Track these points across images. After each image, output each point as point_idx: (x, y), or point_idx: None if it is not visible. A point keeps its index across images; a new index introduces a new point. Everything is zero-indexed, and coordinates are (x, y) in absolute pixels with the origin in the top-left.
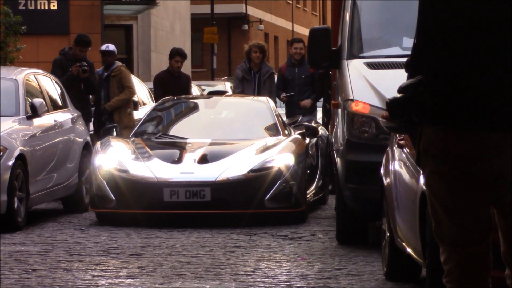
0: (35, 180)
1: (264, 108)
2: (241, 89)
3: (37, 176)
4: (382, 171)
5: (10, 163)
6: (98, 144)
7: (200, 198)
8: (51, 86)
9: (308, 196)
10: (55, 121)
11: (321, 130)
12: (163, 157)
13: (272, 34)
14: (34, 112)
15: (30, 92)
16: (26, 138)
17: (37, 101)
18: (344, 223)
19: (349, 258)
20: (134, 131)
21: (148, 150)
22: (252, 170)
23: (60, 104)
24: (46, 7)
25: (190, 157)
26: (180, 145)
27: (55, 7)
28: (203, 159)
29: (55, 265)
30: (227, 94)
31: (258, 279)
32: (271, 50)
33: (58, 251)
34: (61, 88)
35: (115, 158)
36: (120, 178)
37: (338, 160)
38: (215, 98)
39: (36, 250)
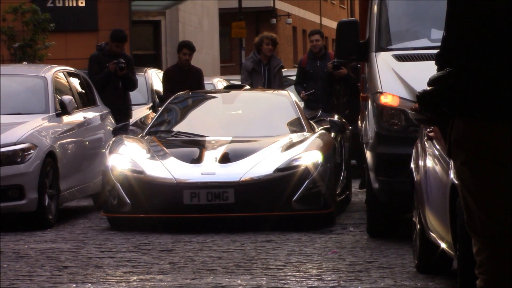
0: (66, 178)
1: (286, 102)
2: (250, 81)
3: (67, 173)
4: (412, 163)
5: (40, 160)
6: (110, 143)
7: (223, 200)
8: (80, 83)
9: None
10: (84, 118)
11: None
12: (181, 156)
13: (301, 28)
14: (63, 110)
15: (59, 89)
16: (56, 135)
17: (66, 98)
18: (375, 216)
19: (380, 251)
20: (147, 129)
21: (165, 149)
22: (278, 169)
23: (90, 101)
24: (74, 4)
25: (211, 156)
26: (199, 143)
27: (83, 4)
28: (225, 158)
29: (86, 262)
30: (245, 88)
31: (289, 273)
32: (299, 44)
33: (89, 248)
34: (90, 85)
35: (129, 158)
36: (135, 180)
37: (368, 153)
38: (233, 92)
39: (67, 247)
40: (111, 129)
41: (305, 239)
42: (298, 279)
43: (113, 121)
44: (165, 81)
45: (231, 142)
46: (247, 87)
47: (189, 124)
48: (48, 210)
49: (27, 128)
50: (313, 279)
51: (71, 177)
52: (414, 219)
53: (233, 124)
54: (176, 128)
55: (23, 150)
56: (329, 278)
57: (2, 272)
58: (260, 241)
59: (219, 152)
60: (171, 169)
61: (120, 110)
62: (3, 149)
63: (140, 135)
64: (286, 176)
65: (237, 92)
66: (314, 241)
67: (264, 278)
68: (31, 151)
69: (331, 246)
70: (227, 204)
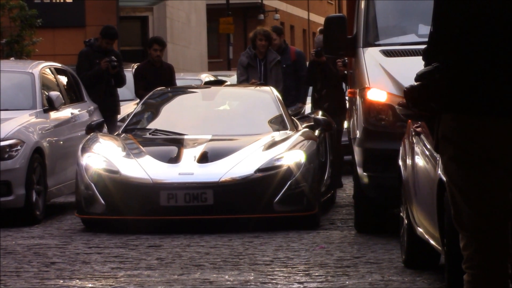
0: (53, 174)
1: (268, 98)
2: (245, 76)
3: (54, 169)
4: (399, 159)
5: (28, 156)
6: (84, 141)
7: (202, 201)
8: (68, 79)
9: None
10: (72, 114)
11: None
12: (158, 155)
13: (288, 24)
14: (50, 105)
15: (47, 85)
16: (43, 131)
17: (54, 94)
18: (363, 212)
19: (368, 246)
20: (124, 126)
21: (141, 147)
22: (259, 170)
23: (77, 97)
24: (62, 0)
25: (189, 155)
26: (177, 142)
27: (71, 0)
28: (204, 158)
29: (74, 258)
30: (226, 84)
31: (277, 268)
32: (287, 39)
33: (76, 244)
34: (77, 81)
35: (104, 157)
36: (110, 180)
37: (355, 148)
38: (213, 88)
39: (55, 243)
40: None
41: (293, 234)
42: (286, 275)
43: (100, 117)
44: (137, 78)
45: (211, 140)
46: (228, 82)
47: (167, 121)
48: (35, 206)
49: (14, 124)
50: (301, 274)
51: (58, 173)
52: (401, 214)
53: (213, 122)
54: (153, 126)
55: (10, 146)
56: (316, 274)
57: None
58: (247, 236)
59: (198, 151)
60: (148, 168)
61: (110, 106)
62: None
63: (116, 133)
64: (267, 177)
65: (218, 88)
66: (301, 237)
67: (252, 274)
68: (19, 147)
69: (319, 242)
70: (206, 206)
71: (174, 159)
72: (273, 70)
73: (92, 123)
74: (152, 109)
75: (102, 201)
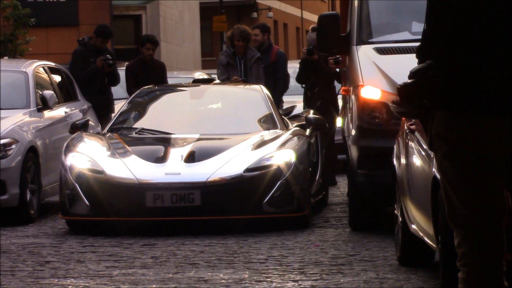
0: (47, 172)
1: (257, 97)
2: (226, 75)
3: (48, 168)
4: (393, 156)
5: (22, 155)
6: (69, 141)
7: (189, 202)
8: (62, 78)
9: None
10: (65, 113)
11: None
12: (145, 155)
13: (282, 22)
14: (44, 104)
15: (40, 84)
16: (37, 130)
17: (48, 93)
18: (357, 210)
19: (362, 244)
20: (109, 125)
21: (127, 147)
22: (247, 169)
23: (71, 95)
24: None
25: (176, 155)
26: (163, 141)
27: None
28: (191, 157)
29: (68, 257)
30: (215, 82)
31: (272, 267)
32: (281, 37)
33: (71, 243)
34: (71, 80)
35: (88, 156)
36: (94, 180)
37: (349, 146)
38: (202, 86)
39: (49, 242)
40: (93, 123)
41: (287, 232)
42: (281, 273)
43: (95, 115)
44: (128, 76)
45: (198, 140)
46: (217, 81)
47: (154, 120)
48: (29, 205)
49: (8, 123)
50: (296, 272)
51: (52, 172)
52: (396, 212)
53: (200, 121)
54: (139, 125)
55: (4, 145)
56: (311, 272)
57: None
58: (242, 235)
59: (185, 150)
60: (133, 168)
61: (104, 105)
62: None
63: (102, 132)
64: (256, 177)
65: (206, 87)
66: (296, 235)
67: (247, 272)
68: (12, 146)
69: (313, 240)
70: (193, 207)
71: (161, 159)
72: (253, 68)
73: (77, 122)
74: (139, 108)
75: (87, 202)
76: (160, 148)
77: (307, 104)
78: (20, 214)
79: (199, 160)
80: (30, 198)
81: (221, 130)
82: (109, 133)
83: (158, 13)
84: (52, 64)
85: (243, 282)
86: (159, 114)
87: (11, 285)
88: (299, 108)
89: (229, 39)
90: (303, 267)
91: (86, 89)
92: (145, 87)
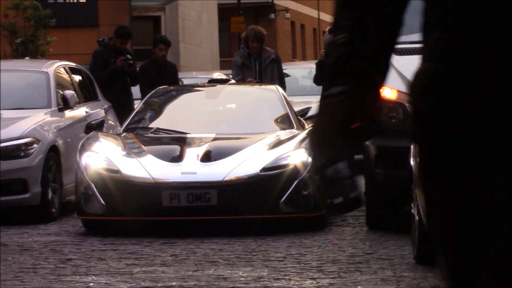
0: (68, 171)
1: (274, 97)
2: (241, 76)
3: (70, 167)
4: (411, 156)
5: (43, 154)
6: (84, 140)
7: (205, 202)
8: (82, 78)
9: None
10: (86, 112)
11: None
12: (160, 154)
13: (299, 23)
14: (65, 104)
15: (61, 84)
16: (58, 130)
17: (68, 93)
18: (374, 208)
19: (380, 242)
20: (125, 125)
21: (142, 146)
22: (264, 169)
23: (91, 95)
24: (75, 0)
25: (192, 154)
26: (179, 141)
27: (84, 0)
28: (207, 157)
29: (89, 254)
30: (230, 82)
31: (290, 265)
32: (298, 38)
33: (91, 241)
34: (91, 80)
35: (104, 156)
36: (110, 180)
37: (367, 146)
38: (217, 86)
39: (71, 240)
40: (113, 123)
41: (305, 231)
42: (299, 271)
43: (115, 115)
44: (142, 76)
45: (214, 139)
46: (233, 81)
47: (170, 120)
48: (51, 203)
49: (30, 123)
50: (314, 270)
51: (73, 171)
52: (412, 211)
53: (216, 120)
54: (155, 125)
55: (26, 144)
56: (329, 270)
57: (7, 265)
58: (260, 233)
59: (201, 150)
60: (149, 168)
61: (124, 104)
62: (6, 144)
63: (118, 132)
64: (273, 176)
65: (222, 87)
66: (313, 233)
67: (265, 270)
68: (34, 145)
69: (331, 238)
70: (209, 206)
71: (177, 158)
72: (268, 68)
73: (92, 122)
74: (154, 108)
75: (102, 202)
76: (176, 148)
77: None
78: (42, 213)
79: (215, 160)
80: (52, 196)
81: (237, 130)
82: (125, 133)
83: (177, 14)
84: (72, 64)
85: (262, 279)
86: (175, 114)
87: (33, 282)
88: (314, 109)
89: (244, 40)
90: (321, 265)
91: (107, 89)
92: (161, 87)
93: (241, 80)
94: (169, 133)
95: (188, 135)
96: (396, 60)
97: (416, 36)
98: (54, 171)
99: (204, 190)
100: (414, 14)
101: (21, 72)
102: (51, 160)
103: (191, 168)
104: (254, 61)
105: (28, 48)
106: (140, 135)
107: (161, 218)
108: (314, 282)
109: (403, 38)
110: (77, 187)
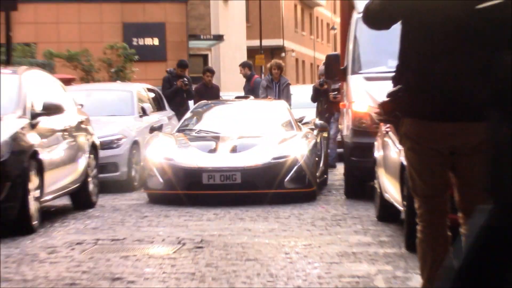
0: None
1: (281, 108)
2: (265, 94)
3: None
4: (375, 149)
5: (129, 146)
6: (148, 138)
7: (232, 181)
8: (155, 95)
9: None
10: (158, 118)
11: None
12: (202, 148)
13: (301, 59)
14: (144, 113)
15: (141, 99)
16: (139, 130)
17: (146, 105)
18: (350, 184)
19: (353, 206)
20: (177, 128)
21: (189, 142)
22: (274, 158)
23: (160, 107)
24: (151, 43)
25: (223, 148)
26: (214, 139)
27: (157, 43)
28: (234, 150)
29: (159, 213)
30: (250, 98)
31: (293, 221)
32: (300, 70)
33: (161, 204)
34: (161, 96)
35: (163, 149)
36: (167, 165)
37: (345, 142)
38: (242, 101)
39: (146, 203)
40: (175, 126)
41: (304, 197)
42: (299, 225)
43: (177, 120)
44: (195, 94)
45: (239, 138)
46: (252, 97)
47: (208, 124)
48: (134, 179)
49: (120, 125)
50: (309, 225)
51: None
52: (375, 185)
53: (240, 125)
54: (198, 127)
55: (117, 139)
56: (319, 224)
57: (104, 220)
58: (272, 202)
59: (230, 145)
60: (194, 157)
61: (183, 113)
62: (104, 139)
63: (172, 132)
64: (280, 163)
65: (245, 101)
66: (308, 201)
67: (276, 224)
68: (122, 140)
69: (321, 203)
70: (235, 184)
71: (213, 150)
72: (284, 90)
73: (155, 126)
74: (197, 116)
75: (161, 180)
76: (212, 143)
77: (319, 116)
78: (127, 186)
79: (239, 151)
80: (134, 175)
81: (255, 131)
82: (177, 133)
83: (219, 52)
84: (149, 86)
85: (274, 230)
86: (212, 120)
87: (122, 231)
88: (308, 117)
89: (268, 69)
90: (314, 221)
91: (171, 103)
92: (202, 101)
93: (265, 98)
94: (207, 133)
95: (220, 135)
96: (366, 84)
97: (380, 69)
98: (135, 157)
99: (232, 172)
100: (379, 53)
101: (114, 91)
102: (133, 150)
103: (223, 158)
104: (275, 84)
105: (119, 75)
106: (187, 134)
107: (202, 192)
108: (309, 232)
109: (371, 70)
110: (143, 170)
